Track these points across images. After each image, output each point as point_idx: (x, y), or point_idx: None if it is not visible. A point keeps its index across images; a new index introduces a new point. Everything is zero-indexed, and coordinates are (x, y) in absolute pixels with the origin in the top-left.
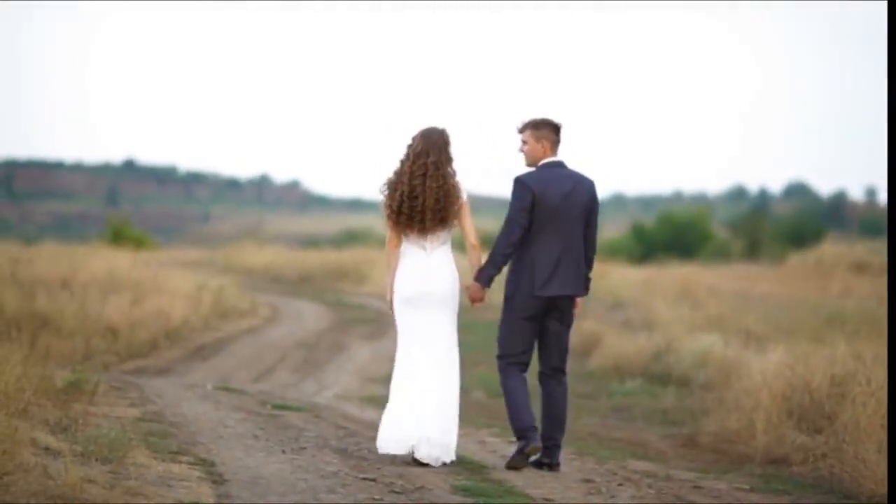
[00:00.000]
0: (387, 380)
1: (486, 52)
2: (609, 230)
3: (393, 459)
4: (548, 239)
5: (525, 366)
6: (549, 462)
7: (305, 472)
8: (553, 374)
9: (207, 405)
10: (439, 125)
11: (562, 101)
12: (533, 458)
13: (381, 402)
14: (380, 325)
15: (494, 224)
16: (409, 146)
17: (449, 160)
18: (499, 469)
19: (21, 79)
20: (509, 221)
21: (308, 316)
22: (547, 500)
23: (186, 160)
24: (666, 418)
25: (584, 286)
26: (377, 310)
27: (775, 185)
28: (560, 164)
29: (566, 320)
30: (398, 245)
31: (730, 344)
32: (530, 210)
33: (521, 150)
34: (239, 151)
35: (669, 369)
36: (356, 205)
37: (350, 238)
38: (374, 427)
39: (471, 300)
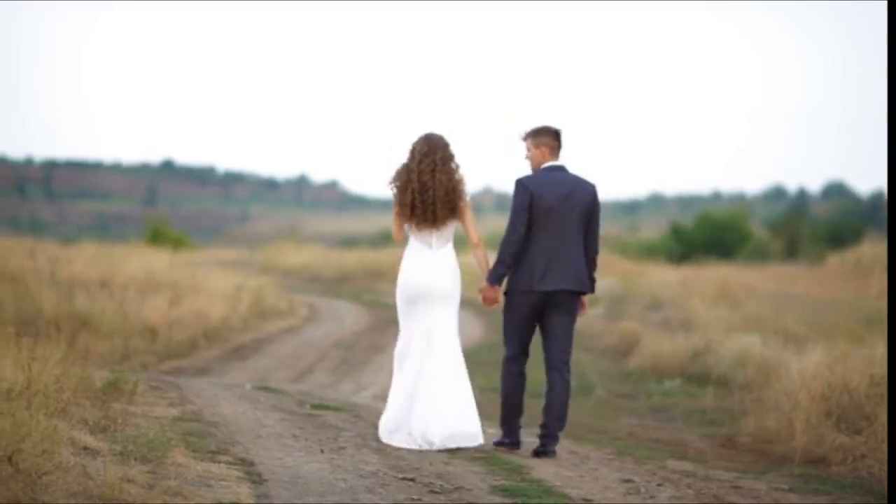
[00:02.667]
0: None
1: (522, 52)
2: (647, 230)
3: (432, 460)
4: (545, 237)
5: (523, 362)
6: (544, 450)
7: (344, 472)
8: (556, 366)
9: (246, 405)
10: (437, 131)
11: (601, 101)
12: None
13: None
14: None
15: None
16: (414, 149)
17: (452, 158)
18: (537, 469)
19: (59, 79)
20: (511, 221)
21: (346, 316)
22: (586, 500)
23: (225, 160)
24: (705, 418)
25: (585, 284)
26: None
27: (814, 185)
28: (560, 168)
29: (567, 315)
30: (402, 240)
31: (768, 344)
32: (529, 209)
33: (527, 157)
34: (277, 152)
35: (708, 369)
36: None
37: (388, 238)
38: None
39: (484, 301)
